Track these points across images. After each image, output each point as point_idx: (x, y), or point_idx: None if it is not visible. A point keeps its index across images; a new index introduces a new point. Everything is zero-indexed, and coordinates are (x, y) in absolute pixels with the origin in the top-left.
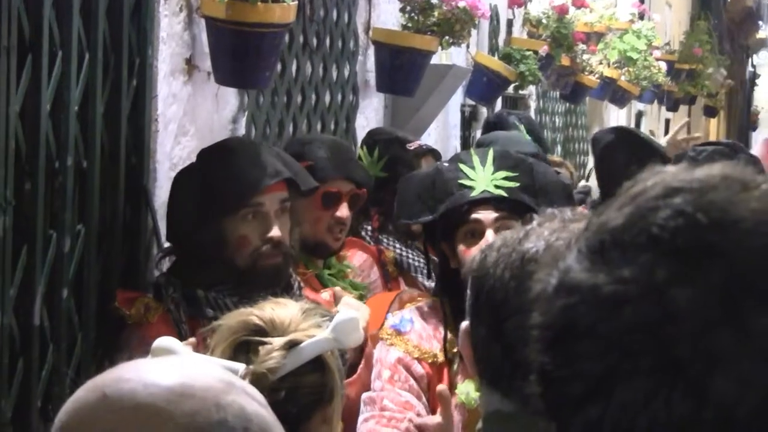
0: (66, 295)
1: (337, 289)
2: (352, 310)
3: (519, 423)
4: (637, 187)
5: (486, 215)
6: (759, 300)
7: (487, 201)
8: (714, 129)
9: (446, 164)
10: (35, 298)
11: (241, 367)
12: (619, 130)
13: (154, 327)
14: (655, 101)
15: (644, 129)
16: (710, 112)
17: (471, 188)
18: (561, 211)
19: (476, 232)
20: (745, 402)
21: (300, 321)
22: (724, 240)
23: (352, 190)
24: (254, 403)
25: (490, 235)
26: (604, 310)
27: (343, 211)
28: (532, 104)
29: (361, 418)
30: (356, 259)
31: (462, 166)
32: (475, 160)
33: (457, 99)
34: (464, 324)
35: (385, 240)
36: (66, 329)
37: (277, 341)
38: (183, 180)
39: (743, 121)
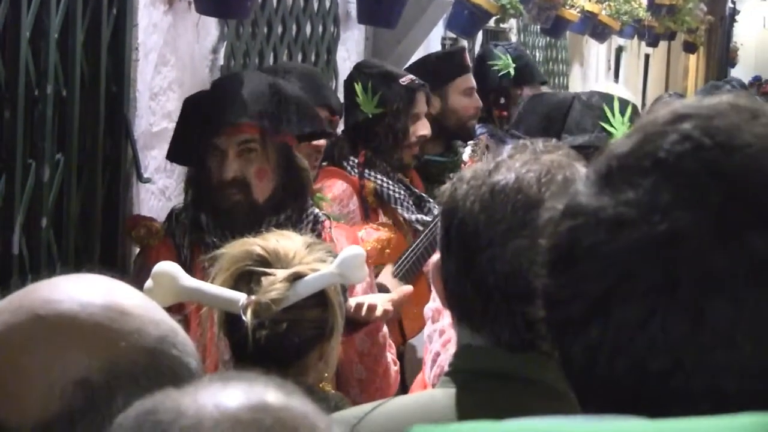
0: (45, 224)
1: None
2: (357, 246)
3: (489, 357)
4: (647, 117)
5: None
6: (757, 223)
7: None
8: (693, 65)
9: (584, 98)
10: (14, 227)
11: (242, 296)
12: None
13: (155, 251)
14: (636, 36)
15: (624, 64)
16: (690, 48)
17: (611, 134)
18: (533, 143)
19: None
20: (741, 325)
21: (304, 254)
22: (727, 163)
23: (327, 117)
24: (171, 319)
25: None
26: (605, 231)
27: (320, 140)
28: (513, 38)
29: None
30: (336, 187)
31: (606, 108)
32: (616, 106)
33: (438, 32)
34: (435, 258)
35: (366, 172)
36: (45, 259)
37: (281, 273)
38: (183, 107)
39: (722, 58)
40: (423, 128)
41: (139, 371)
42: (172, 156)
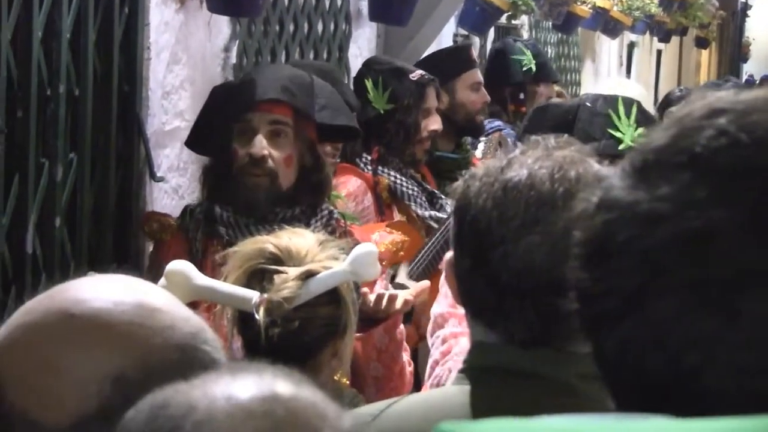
0: (59, 223)
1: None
2: (369, 243)
3: (501, 354)
4: (683, 109)
5: None
6: None
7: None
8: (705, 60)
9: (589, 104)
10: (28, 226)
11: (255, 295)
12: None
13: (167, 246)
14: (648, 32)
15: (636, 60)
16: (702, 43)
17: (619, 140)
18: (545, 138)
19: None
20: None
21: (317, 252)
22: (762, 159)
23: None
24: (195, 314)
25: None
26: (640, 226)
27: (346, 141)
28: (525, 34)
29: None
30: (351, 184)
31: (612, 113)
32: (621, 109)
33: (450, 29)
34: (448, 255)
35: (380, 169)
36: (59, 258)
37: (293, 270)
38: (211, 94)
39: (734, 53)
40: (434, 123)
41: (172, 367)
42: (193, 143)
